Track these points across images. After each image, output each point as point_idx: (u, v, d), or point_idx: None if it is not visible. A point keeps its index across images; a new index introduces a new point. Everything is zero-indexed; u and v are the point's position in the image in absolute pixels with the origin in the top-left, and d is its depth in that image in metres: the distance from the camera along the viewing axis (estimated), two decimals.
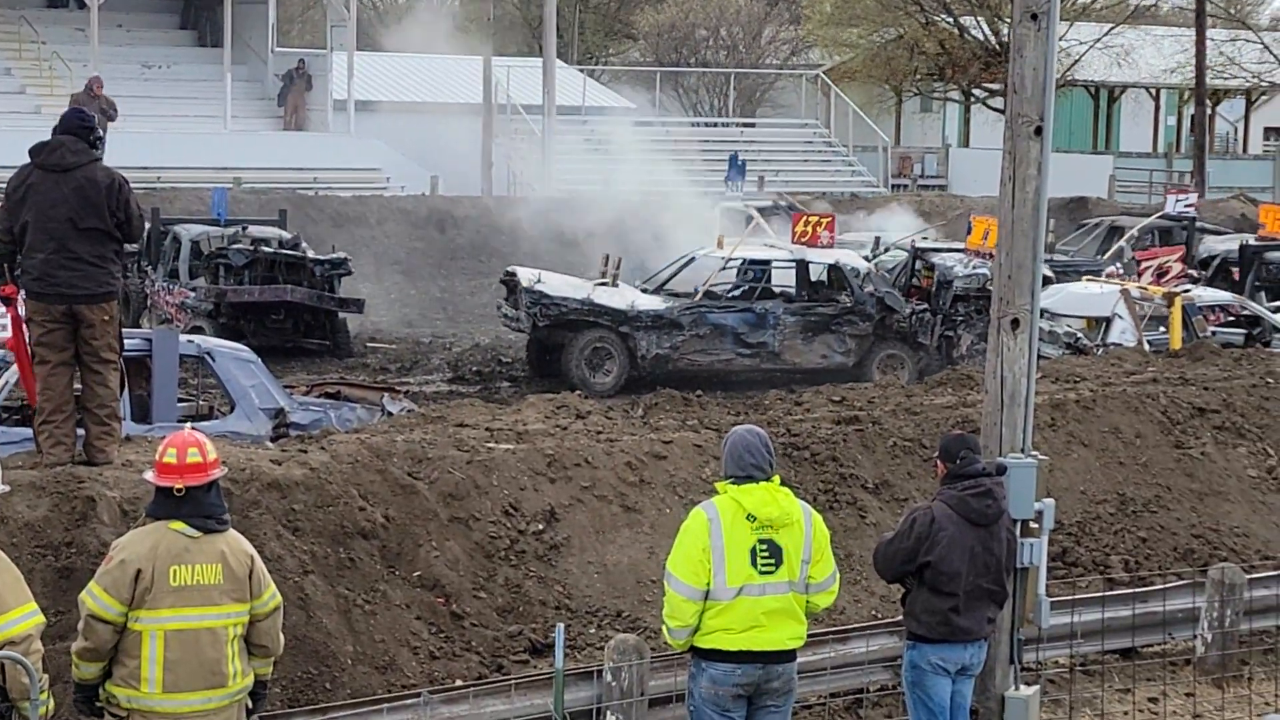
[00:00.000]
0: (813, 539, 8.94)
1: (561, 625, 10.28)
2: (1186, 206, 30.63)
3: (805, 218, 24.69)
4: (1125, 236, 29.23)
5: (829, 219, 24.71)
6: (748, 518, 8.79)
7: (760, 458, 8.92)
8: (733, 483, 8.91)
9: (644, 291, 24.12)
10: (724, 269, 24.23)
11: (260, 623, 8.24)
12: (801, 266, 24.34)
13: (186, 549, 8.04)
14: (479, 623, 11.92)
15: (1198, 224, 30.33)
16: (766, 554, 8.80)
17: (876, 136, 50.28)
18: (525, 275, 23.85)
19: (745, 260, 24.69)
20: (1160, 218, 31.19)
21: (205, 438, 8.30)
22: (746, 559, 8.77)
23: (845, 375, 22.72)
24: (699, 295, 23.88)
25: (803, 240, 24.26)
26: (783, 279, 24.68)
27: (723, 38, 59.59)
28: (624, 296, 23.69)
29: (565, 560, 12.61)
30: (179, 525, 8.07)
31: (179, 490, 8.05)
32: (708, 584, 8.75)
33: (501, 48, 49.86)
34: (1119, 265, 26.19)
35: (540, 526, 12.69)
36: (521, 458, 13.10)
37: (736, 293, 24.39)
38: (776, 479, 8.99)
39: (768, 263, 24.66)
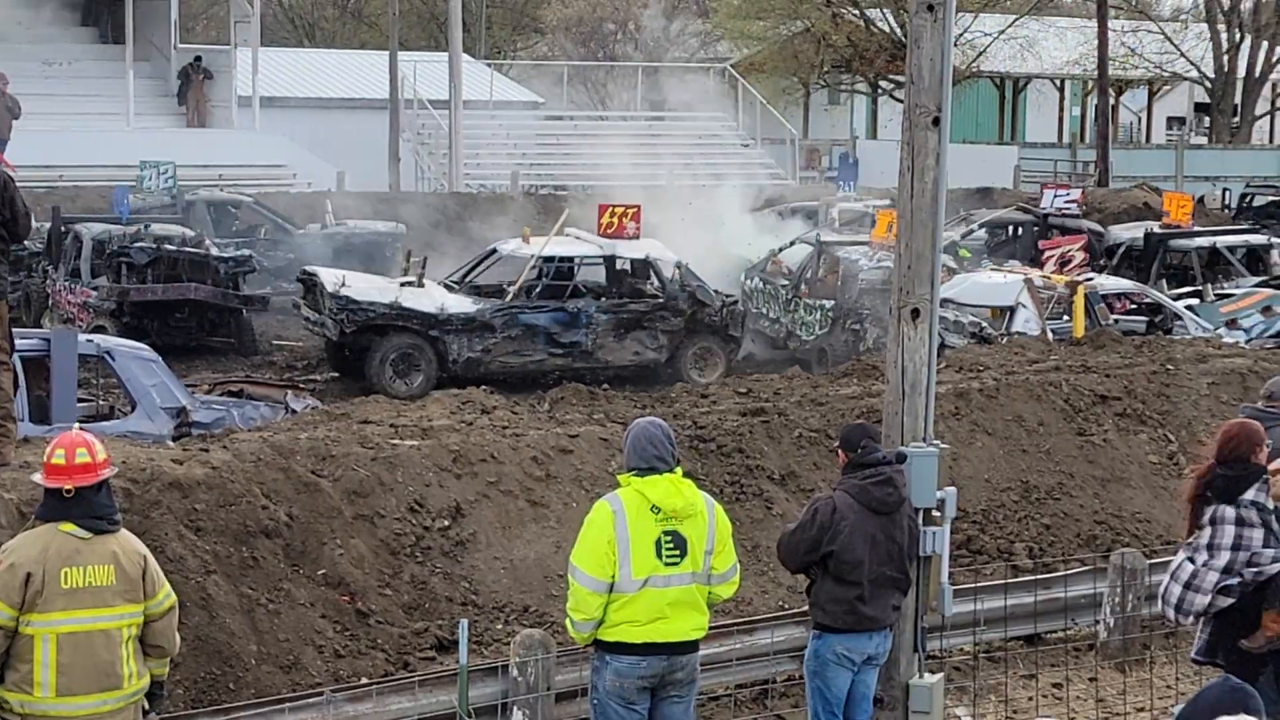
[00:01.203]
0: (715, 530, 8.94)
1: (465, 621, 10.24)
2: (1069, 202, 29.74)
3: (611, 208, 23.95)
4: (964, 233, 28.62)
5: (635, 209, 23.95)
6: (652, 509, 8.78)
7: (663, 449, 8.91)
8: (636, 474, 8.88)
9: (449, 289, 23.34)
10: (534, 266, 23.34)
11: (155, 623, 8.15)
12: (611, 261, 23.75)
13: (78, 550, 7.95)
14: (385, 620, 11.89)
15: (1050, 220, 29.18)
16: (671, 545, 8.79)
17: (785, 129, 50.40)
18: (328, 278, 22.87)
19: (555, 256, 23.71)
20: (1018, 209, 30.75)
21: (94, 438, 8.20)
22: (651, 550, 8.76)
23: (658, 371, 22.67)
24: (511, 295, 23.12)
25: (609, 232, 23.61)
26: (591, 272, 24.10)
27: (631, 31, 59.59)
28: (432, 298, 22.84)
29: (471, 556, 12.59)
30: (69, 527, 7.98)
31: (68, 491, 7.96)
32: (612, 576, 8.72)
33: (408, 42, 49.73)
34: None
35: (446, 522, 12.66)
36: (426, 454, 13.06)
37: (547, 290, 23.43)
38: (679, 470, 8.98)
39: (578, 258, 23.94)
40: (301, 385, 18.91)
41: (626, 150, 45.62)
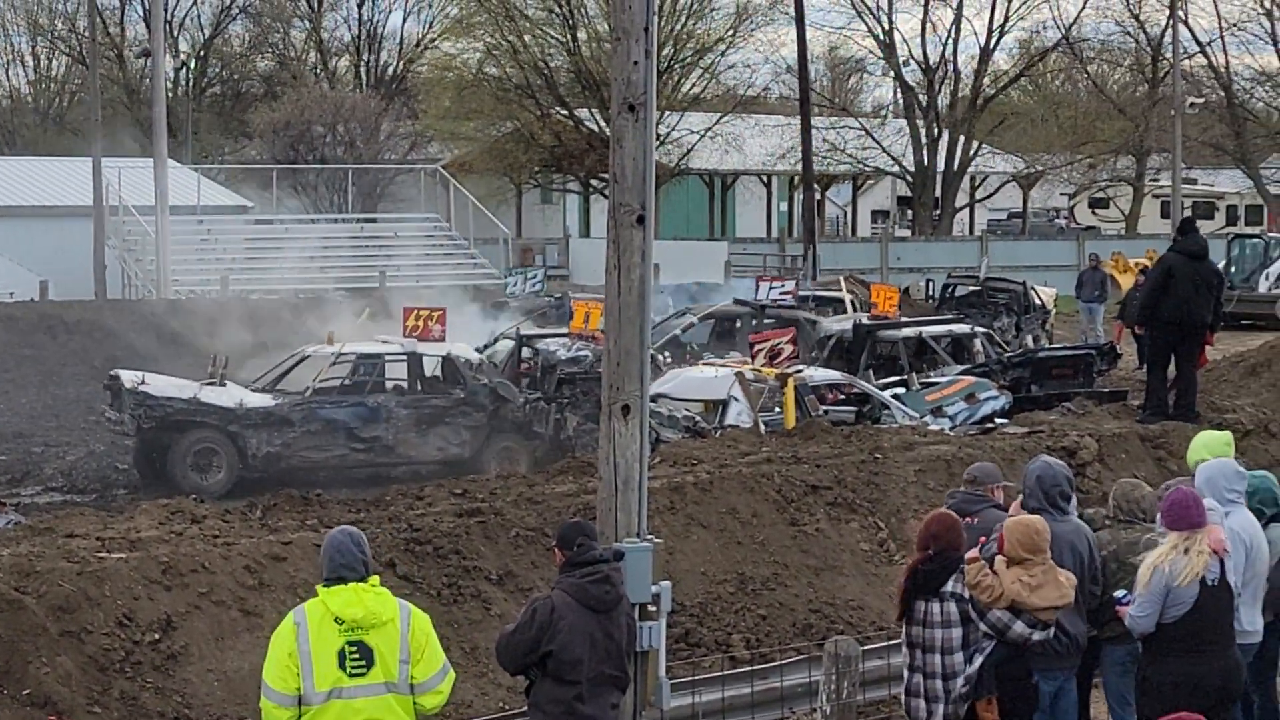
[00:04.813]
0: (409, 638, 8.74)
1: None
2: (783, 294, 30.32)
3: (416, 311, 24.45)
4: (685, 327, 28.54)
5: (440, 312, 24.49)
6: (335, 620, 8.61)
7: (350, 558, 8.75)
8: (325, 584, 8.76)
9: (254, 390, 23.64)
10: (335, 364, 23.88)
11: None
12: (414, 359, 24.15)
13: None
14: None
15: (769, 311, 29.35)
16: (356, 655, 8.60)
17: (498, 229, 50.60)
18: (128, 378, 23.17)
19: (357, 355, 24.30)
20: (735, 302, 31.05)
21: None
22: (334, 662, 8.59)
23: (464, 467, 22.70)
24: (309, 391, 23.48)
25: (414, 334, 24.11)
26: (398, 372, 24.52)
27: (340, 134, 59.36)
28: (232, 395, 23.17)
29: (184, 669, 12.31)
30: None
31: None
32: (297, 689, 8.57)
33: (113, 148, 49.02)
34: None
35: (156, 636, 12.37)
36: (135, 566, 12.76)
37: (346, 385, 24.01)
38: (374, 579, 8.80)
39: (380, 356, 24.43)
40: (3, 501, 18.37)
41: (338, 252, 45.45)
